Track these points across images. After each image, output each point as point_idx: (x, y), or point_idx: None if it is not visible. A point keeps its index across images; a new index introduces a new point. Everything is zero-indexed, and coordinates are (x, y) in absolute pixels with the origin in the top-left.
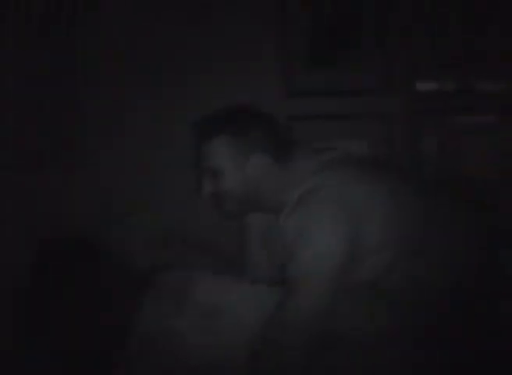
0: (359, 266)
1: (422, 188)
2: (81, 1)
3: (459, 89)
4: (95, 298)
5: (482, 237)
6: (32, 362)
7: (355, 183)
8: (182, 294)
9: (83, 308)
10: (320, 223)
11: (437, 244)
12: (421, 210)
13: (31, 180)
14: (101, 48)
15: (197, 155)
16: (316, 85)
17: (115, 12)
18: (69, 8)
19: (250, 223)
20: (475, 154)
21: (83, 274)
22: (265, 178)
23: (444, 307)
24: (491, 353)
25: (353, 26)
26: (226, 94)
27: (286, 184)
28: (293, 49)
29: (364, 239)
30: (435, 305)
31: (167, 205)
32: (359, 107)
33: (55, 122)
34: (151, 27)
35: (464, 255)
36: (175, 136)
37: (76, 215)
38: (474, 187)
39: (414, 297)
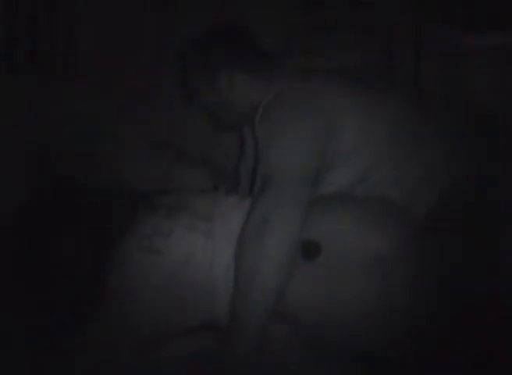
0: (331, 171)
1: (412, 101)
2: None
3: None
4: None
5: (481, 150)
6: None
7: (329, 89)
8: (174, 206)
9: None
10: (291, 122)
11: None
12: (409, 120)
13: None
14: None
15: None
16: None
17: None
18: None
19: (243, 134)
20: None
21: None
22: (240, 89)
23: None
24: None
25: None
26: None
27: (260, 93)
28: None
29: (337, 143)
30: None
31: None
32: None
33: None
34: None
35: (458, 165)
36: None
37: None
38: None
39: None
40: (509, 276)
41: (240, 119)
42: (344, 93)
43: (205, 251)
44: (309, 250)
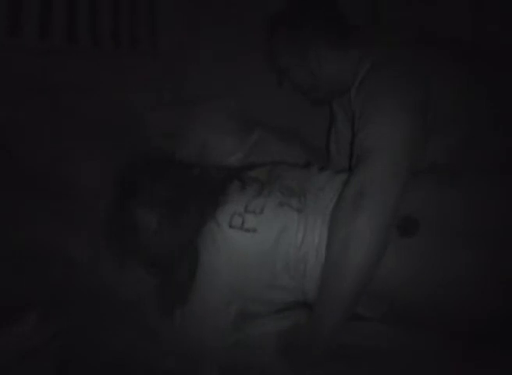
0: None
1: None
2: None
3: None
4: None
5: None
6: None
7: (421, 60)
8: (266, 182)
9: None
10: (390, 96)
11: None
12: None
13: None
14: None
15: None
16: None
17: None
18: None
19: (334, 110)
20: None
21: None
22: (330, 65)
23: None
24: None
25: None
26: None
27: (351, 68)
28: None
29: (433, 113)
30: None
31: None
32: None
33: None
34: None
35: None
36: None
37: None
38: None
39: None
40: None
41: (331, 95)
42: (438, 60)
43: (297, 228)
44: (407, 226)
